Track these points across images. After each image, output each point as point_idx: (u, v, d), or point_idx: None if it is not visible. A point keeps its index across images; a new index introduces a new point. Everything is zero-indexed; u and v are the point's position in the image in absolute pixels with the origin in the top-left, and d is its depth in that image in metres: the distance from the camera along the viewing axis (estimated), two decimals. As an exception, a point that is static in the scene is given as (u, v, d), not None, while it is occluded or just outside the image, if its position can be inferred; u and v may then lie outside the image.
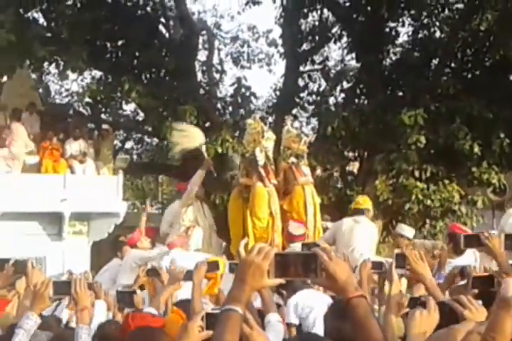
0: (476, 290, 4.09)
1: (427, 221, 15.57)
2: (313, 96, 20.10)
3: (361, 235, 10.01)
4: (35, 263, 4.93)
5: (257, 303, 4.70)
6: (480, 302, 2.78)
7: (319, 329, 5.14)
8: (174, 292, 5.68)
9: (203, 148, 12.71)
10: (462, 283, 4.61)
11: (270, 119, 19.72)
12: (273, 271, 2.42)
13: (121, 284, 8.83)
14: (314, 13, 18.66)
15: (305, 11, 18.33)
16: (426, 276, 4.15)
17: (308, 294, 6.16)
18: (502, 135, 14.63)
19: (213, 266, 5.56)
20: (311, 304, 5.99)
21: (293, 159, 11.40)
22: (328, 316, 3.75)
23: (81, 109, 19.76)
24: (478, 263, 7.80)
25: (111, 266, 10.00)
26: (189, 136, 12.92)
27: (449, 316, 2.64)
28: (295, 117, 20.67)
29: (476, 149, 14.44)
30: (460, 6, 16.85)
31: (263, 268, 2.42)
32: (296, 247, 9.33)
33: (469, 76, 16.66)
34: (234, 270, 4.68)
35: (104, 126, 17.65)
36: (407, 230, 9.92)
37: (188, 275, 5.43)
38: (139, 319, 4.12)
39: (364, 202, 10.58)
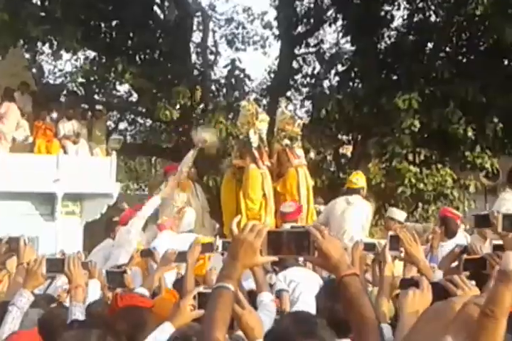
0: (467, 273, 4.12)
1: (420, 205, 15.60)
2: (308, 78, 20.04)
3: (353, 217, 10.01)
4: (28, 241, 4.90)
5: (249, 284, 4.72)
6: (473, 282, 2.78)
7: (303, 304, 5.19)
8: (166, 272, 5.70)
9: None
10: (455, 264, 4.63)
11: (264, 101, 19.70)
12: (266, 249, 2.43)
13: (114, 264, 8.83)
14: (310, -4, 18.59)
15: (300, -7, 18.26)
16: (419, 258, 4.17)
17: (297, 270, 6.26)
18: (496, 119, 14.63)
19: (208, 247, 5.58)
20: (298, 279, 6.12)
21: (287, 141, 11.36)
22: (321, 296, 3.77)
23: (75, 89, 19.63)
24: (469, 247, 7.85)
25: (103, 246, 9.99)
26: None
27: (442, 296, 2.64)
28: (289, 99, 20.64)
29: (470, 133, 14.46)
30: (456, -11, 16.77)
31: (255, 245, 2.43)
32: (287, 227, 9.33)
33: (464, 60, 16.62)
34: (227, 248, 4.70)
35: (98, 107, 17.58)
36: (398, 214, 9.92)
37: (180, 257, 5.46)
38: (127, 299, 4.14)
39: (358, 180, 10.50)
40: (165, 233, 9.14)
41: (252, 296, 4.26)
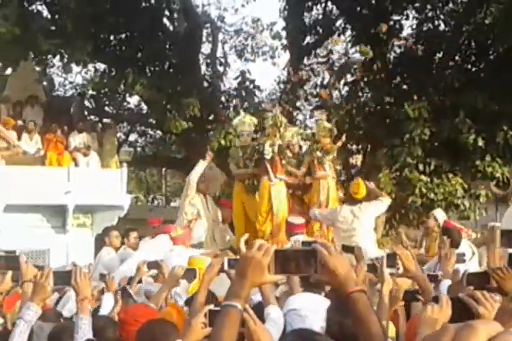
0: (471, 287, 4.11)
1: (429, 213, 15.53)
2: (317, 88, 20.05)
3: (361, 229, 10.01)
4: (26, 258, 4.87)
5: (257, 296, 4.71)
6: (498, 297, 2.73)
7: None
8: (173, 289, 5.70)
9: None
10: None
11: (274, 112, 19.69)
12: (273, 267, 2.44)
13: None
14: (318, 6, 18.63)
15: (309, 3, 18.30)
16: (417, 274, 4.19)
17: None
18: (506, 127, 14.59)
19: (190, 273, 5.62)
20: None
21: (318, 153, 11.39)
22: (331, 310, 3.77)
23: (85, 101, 19.73)
24: (476, 257, 7.85)
25: (101, 257, 9.90)
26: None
27: (463, 312, 2.62)
28: (298, 110, 20.67)
29: (480, 142, 14.42)
30: (464, -1, 16.80)
31: (263, 264, 2.43)
32: (298, 241, 9.31)
33: (473, 69, 16.62)
34: (233, 266, 4.69)
35: (106, 121, 17.68)
36: (440, 215, 10.10)
37: (188, 273, 5.47)
38: (132, 311, 4.13)
39: (360, 191, 10.47)
40: (177, 248, 9.11)
41: (259, 309, 4.25)
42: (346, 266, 2.47)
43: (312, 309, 4.17)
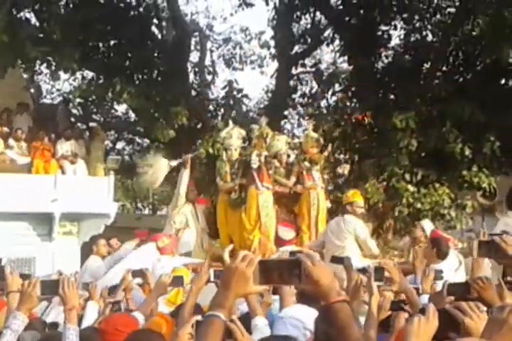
0: (452, 297, 4.13)
1: (416, 223, 15.56)
2: (305, 98, 20.11)
3: (349, 237, 10.01)
4: (12, 269, 4.83)
5: (244, 307, 4.71)
6: (484, 308, 2.73)
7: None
8: (160, 297, 5.68)
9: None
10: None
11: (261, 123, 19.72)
12: (257, 278, 2.44)
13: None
14: (307, 16, 18.74)
15: (298, 13, 18.38)
16: (405, 287, 4.20)
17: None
18: (492, 138, 14.65)
19: (177, 280, 5.59)
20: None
21: (306, 164, 11.43)
22: (318, 321, 3.77)
23: (73, 109, 19.69)
24: (463, 266, 7.85)
25: (88, 266, 9.87)
26: None
27: (449, 323, 2.63)
28: (286, 118, 20.72)
29: (467, 152, 14.47)
30: (452, 10, 16.89)
31: (247, 274, 2.44)
32: (286, 251, 9.32)
33: (461, 80, 16.70)
34: (219, 277, 4.69)
35: (93, 124, 17.63)
36: (428, 226, 10.12)
37: (175, 282, 5.45)
38: (113, 321, 4.10)
39: (355, 199, 10.50)
40: (164, 258, 9.09)
41: (247, 320, 4.25)
42: (329, 277, 2.49)
43: (302, 319, 4.18)
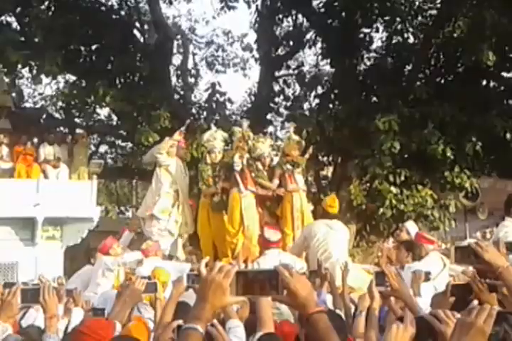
0: (453, 298, 4.16)
1: (400, 225, 15.62)
2: (288, 101, 20.13)
3: (337, 242, 10.02)
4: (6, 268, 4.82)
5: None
6: (458, 315, 2.76)
7: None
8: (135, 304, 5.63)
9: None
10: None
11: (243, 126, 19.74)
12: (235, 289, 2.44)
13: (93, 291, 8.79)
14: (289, 19, 18.75)
15: (280, 16, 18.39)
16: (405, 293, 4.20)
17: None
18: (474, 139, 14.71)
19: (151, 286, 5.54)
20: None
21: (288, 166, 11.44)
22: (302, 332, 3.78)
23: (55, 113, 19.60)
24: (447, 268, 7.87)
25: (82, 272, 9.89)
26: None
27: (426, 330, 2.64)
28: (270, 122, 20.73)
29: (449, 153, 14.51)
30: (433, 12, 16.97)
31: (224, 286, 2.44)
32: (272, 253, 9.33)
33: (442, 82, 16.78)
34: (194, 281, 4.66)
35: (79, 131, 17.55)
36: (412, 228, 10.15)
37: (149, 288, 5.42)
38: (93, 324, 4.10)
39: (336, 205, 10.59)
40: (149, 260, 9.08)
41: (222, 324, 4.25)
42: (307, 288, 2.50)
43: None
